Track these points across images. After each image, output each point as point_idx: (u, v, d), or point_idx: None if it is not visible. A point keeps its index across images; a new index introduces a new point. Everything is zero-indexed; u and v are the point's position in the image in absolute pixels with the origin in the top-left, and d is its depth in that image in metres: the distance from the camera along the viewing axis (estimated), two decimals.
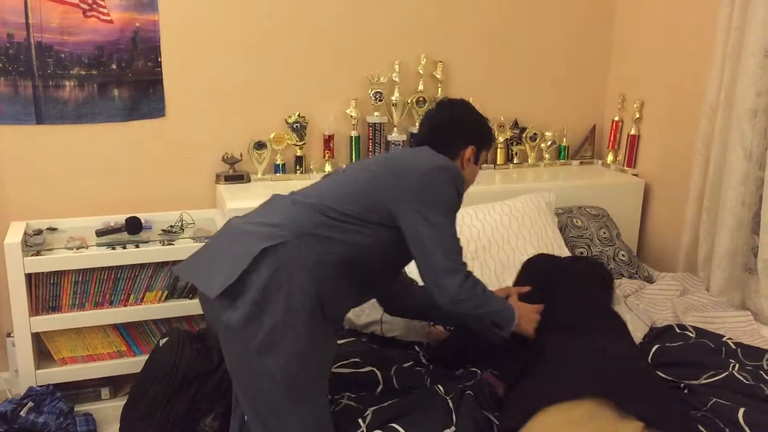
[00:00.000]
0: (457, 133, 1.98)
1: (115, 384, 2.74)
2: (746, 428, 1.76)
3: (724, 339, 2.26)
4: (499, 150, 3.31)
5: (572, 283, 2.16)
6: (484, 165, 3.26)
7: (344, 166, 2.06)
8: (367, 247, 1.80)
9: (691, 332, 2.31)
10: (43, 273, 2.49)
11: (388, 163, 1.91)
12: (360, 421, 1.82)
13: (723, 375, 2.02)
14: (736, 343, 2.24)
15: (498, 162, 3.33)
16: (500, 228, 2.72)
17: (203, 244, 1.89)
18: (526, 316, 1.95)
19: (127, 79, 2.73)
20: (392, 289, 2.12)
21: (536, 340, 1.91)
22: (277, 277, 1.66)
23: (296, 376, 1.69)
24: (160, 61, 2.76)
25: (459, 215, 2.67)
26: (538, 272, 2.25)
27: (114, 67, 2.70)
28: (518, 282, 2.26)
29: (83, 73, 2.67)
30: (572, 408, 1.61)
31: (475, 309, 1.80)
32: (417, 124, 3.12)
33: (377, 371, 2.02)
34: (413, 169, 1.83)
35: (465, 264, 1.82)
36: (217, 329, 1.80)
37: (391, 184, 1.81)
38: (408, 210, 1.78)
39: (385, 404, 1.90)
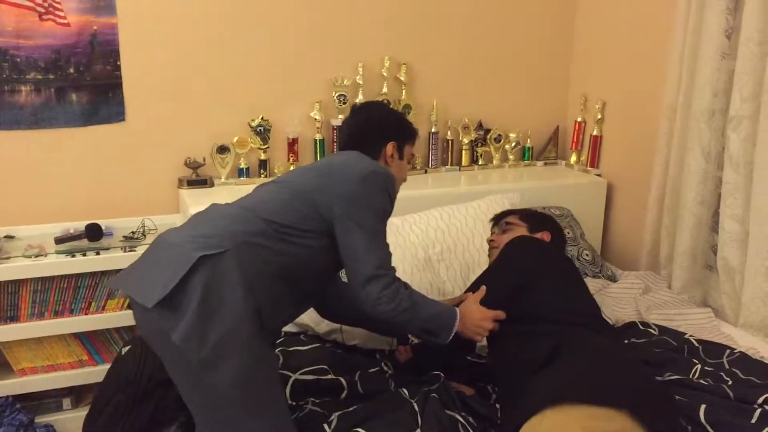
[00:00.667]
0: (374, 132, 2.03)
1: (77, 394, 2.70)
2: (707, 426, 1.79)
3: (686, 336, 2.30)
4: (464, 152, 3.33)
5: (559, 271, 2.09)
6: (448, 167, 3.31)
7: (279, 175, 2.04)
8: (305, 256, 1.80)
9: (653, 329, 2.35)
10: (0, 282, 2.43)
11: (322, 170, 1.92)
12: (325, 426, 1.81)
13: (685, 377, 2.04)
14: (698, 341, 2.28)
15: (463, 163, 3.35)
16: (465, 229, 2.73)
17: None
18: (474, 324, 1.94)
19: (85, 83, 2.68)
20: (326, 295, 2.10)
21: (550, 334, 1.84)
22: (218, 288, 1.63)
23: (244, 390, 1.66)
24: (119, 65, 2.72)
25: (424, 217, 2.73)
26: (522, 259, 2.15)
27: (71, 71, 2.65)
28: (495, 267, 2.19)
29: (40, 77, 2.62)
30: (608, 419, 1.55)
31: (397, 316, 1.81)
32: None
33: (341, 378, 2.00)
34: (346, 175, 1.85)
35: (392, 270, 1.84)
36: (155, 343, 1.76)
37: (326, 192, 1.83)
38: (342, 216, 1.80)
39: (350, 409, 1.89)
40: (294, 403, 1.92)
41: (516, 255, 2.14)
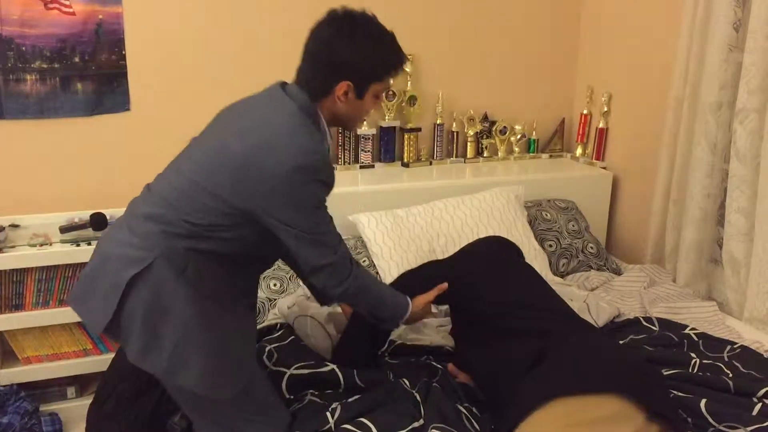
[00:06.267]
0: (328, 64, 1.69)
1: (81, 383, 2.71)
2: (709, 417, 1.79)
3: (686, 331, 2.29)
4: (469, 143, 3.32)
5: (516, 271, 2.13)
6: (453, 159, 3.30)
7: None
8: (240, 246, 1.69)
9: (654, 325, 2.34)
10: (5, 270, 2.45)
11: (232, 163, 1.61)
12: (327, 414, 1.81)
13: (684, 371, 2.03)
14: (698, 335, 2.26)
15: (468, 155, 3.33)
16: (470, 221, 2.73)
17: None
18: (417, 313, 1.97)
19: (90, 72, 2.68)
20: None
21: (532, 344, 1.82)
22: (157, 299, 1.60)
23: (216, 380, 1.66)
24: (125, 54, 2.72)
25: (429, 209, 2.72)
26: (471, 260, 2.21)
27: (77, 60, 2.65)
28: (452, 262, 2.23)
29: (45, 66, 2.62)
30: (599, 405, 1.57)
31: (345, 299, 1.82)
32: (386, 117, 3.12)
33: (337, 370, 1.99)
34: (263, 174, 1.59)
35: (336, 254, 1.69)
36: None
37: (242, 195, 1.61)
38: (266, 216, 1.63)
39: (352, 399, 1.89)
40: (292, 397, 1.92)
41: (474, 244, 2.27)
